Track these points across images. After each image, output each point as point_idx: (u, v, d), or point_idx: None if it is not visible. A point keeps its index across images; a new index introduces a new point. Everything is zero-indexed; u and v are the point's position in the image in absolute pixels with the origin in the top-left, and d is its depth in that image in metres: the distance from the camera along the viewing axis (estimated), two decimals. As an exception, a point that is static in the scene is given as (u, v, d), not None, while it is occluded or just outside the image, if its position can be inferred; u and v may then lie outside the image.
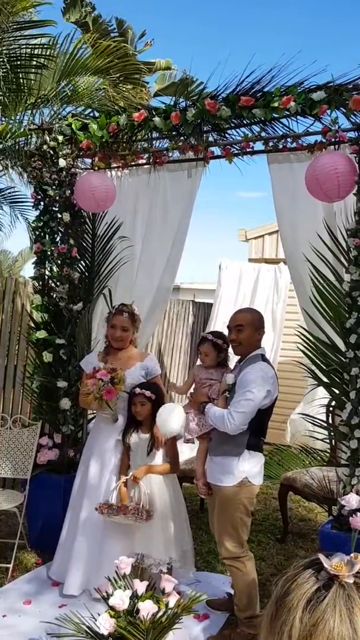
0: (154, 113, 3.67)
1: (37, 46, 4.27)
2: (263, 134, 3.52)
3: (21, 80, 4.26)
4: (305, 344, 3.30)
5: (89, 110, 4.32)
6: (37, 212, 4.16)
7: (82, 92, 4.67)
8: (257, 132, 3.53)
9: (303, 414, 4.12)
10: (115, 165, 4.11)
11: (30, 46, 4.22)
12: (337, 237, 3.27)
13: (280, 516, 4.43)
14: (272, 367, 2.98)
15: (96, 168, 4.03)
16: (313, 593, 0.75)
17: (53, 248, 4.08)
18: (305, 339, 3.31)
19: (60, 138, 4.00)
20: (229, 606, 3.18)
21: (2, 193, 5.98)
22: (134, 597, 2.51)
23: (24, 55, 4.20)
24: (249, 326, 2.99)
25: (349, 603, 0.73)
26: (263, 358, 2.97)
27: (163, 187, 4.10)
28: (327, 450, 4.43)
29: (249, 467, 2.89)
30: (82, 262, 4.28)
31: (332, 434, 3.60)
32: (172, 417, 3.00)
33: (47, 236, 4.12)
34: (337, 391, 3.18)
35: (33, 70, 4.20)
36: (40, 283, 4.16)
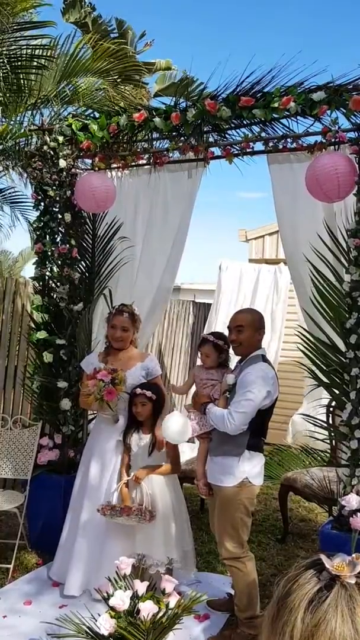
0: (154, 113, 3.67)
1: (37, 47, 4.27)
2: (263, 134, 3.52)
3: (22, 81, 4.27)
4: (305, 345, 3.30)
5: (89, 110, 4.32)
6: (37, 213, 4.16)
7: (83, 93, 4.68)
8: (257, 132, 3.54)
9: (303, 414, 4.12)
10: (115, 165, 4.11)
11: (31, 47, 4.22)
12: (337, 237, 3.27)
13: (281, 516, 4.43)
14: (272, 368, 2.98)
15: (96, 168, 4.03)
16: (315, 593, 0.75)
17: (53, 248, 4.08)
18: (305, 339, 3.31)
19: (61, 139, 4.00)
20: (230, 606, 3.18)
21: (3, 193, 5.98)
22: (135, 598, 2.51)
23: (24, 56, 4.21)
24: (249, 327, 2.99)
25: (350, 603, 0.73)
26: (264, 359, 2.97)
27: (163, 187, 4.10)
28: (327, 451, 4.43)
29: (250, 468, 2.89)
30: (82, 262, 4.28)
31: (332, 434, 3.60)
32: (177, 427, 2.99)
33: (47, 236, 4.12)
34: (337, 391, 3.18)
35: (34, 71, 4.20)
36: (41, 283, 4.16)
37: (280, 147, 3.48)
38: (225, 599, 3.30)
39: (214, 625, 3.13)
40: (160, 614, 2.46)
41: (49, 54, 4.29)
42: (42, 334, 4.03)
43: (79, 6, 8.64)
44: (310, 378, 3.58)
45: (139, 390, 3.23)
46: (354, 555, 0.80)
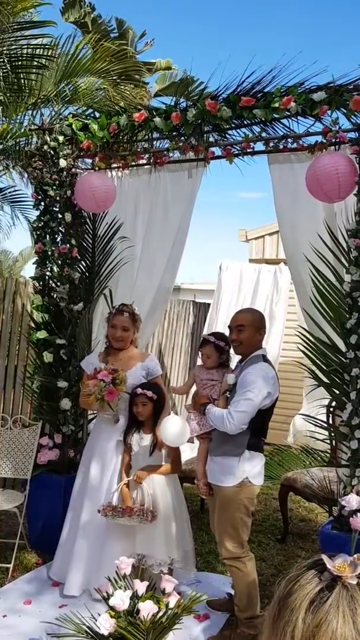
0: (154, 113, 3.67)
1: (38, 46, 4.27)
2: (264, 134, 3.53)
3: (22, 81, 4.26)
4: (305, 345, 3.30)
5: (90, 110, 4.32)
6: (37, 212, 4.16)
7: (83, 93, 4.67)
8: (257, 132, 3.54)
9: (304, 415, 4.12)
10: (115, 165, 4.11)
11: (31, 46, 4.22)
12: (337, 237, 3.27)
13: (281, 517, 4.43)
14: (272, 368, 2.98)
15: (97, 168, 4.03)
16: (316, 594, 0.75)
17: (54, 248, 4.09)
18: (305, 339, 3.31)
19: (61, 138, 4.00)
20: (230, 606, 3.18)
21: (3, 192, 5.98)
22: (134, 598, 2.51)
23: (24, 55, 4.20)
24: (250, 326, 2.99)
25: (352, 604, 0.73)
26: (264, 358, 2.97)
27: (163, 187, 4.10)
28: (327, 451, 4.43)
29: (250, 468, 2.89)
30: (82, 262, 4.28)
31: (332, 434, 3.60)
32: (175, 430, 3.00)
33: (47, 236, 4.12)
34: (337, 392, 3.18)
35: (34, 70, 4.19)
36: (41, 283, 4.16)
37: (281, 147, 3.48)
38: (225, 599, 3.30)
39: (214, 625, 3.13)
40: (160, 614, 2.47)
41: (49, 54, 4.28)
42: (42, 334, 4.03)
43: (79, 6, 8.63)
44: (310, 378, 3.58)
45: (139, 390, 3.23)
46: (355, 555, 0.80)
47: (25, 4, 4.33)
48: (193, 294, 11.81)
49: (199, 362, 3.34)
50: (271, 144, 3.51)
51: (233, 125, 3.59)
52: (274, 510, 4.83)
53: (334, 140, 3.19)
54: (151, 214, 4.20)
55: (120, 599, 2.45)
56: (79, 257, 4.19)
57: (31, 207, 4.36)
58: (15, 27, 4.24)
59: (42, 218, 4.11)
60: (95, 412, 3.66)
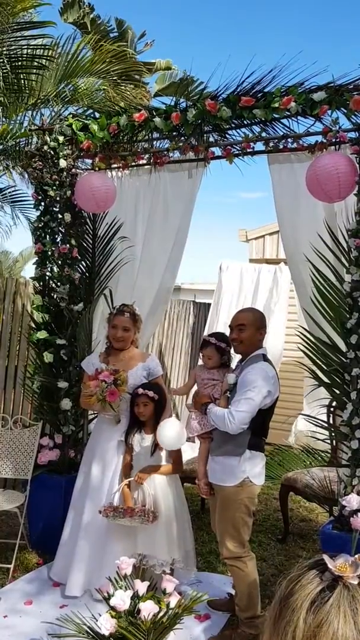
0: (154, 113, 3.67)
1: (38, 47, 4.27)
2: (264, 134, 3.53)
3: (22, 81, 4.27)
4: (306, 345, 3.30)
5: (90, 110, 4.32)
6: (38, 212, 4.17)
7: (83, 93, 4.68)
8: (257, 132, 3.54)
9: (305, 415, 4.12)
10: (115, 165, 4.11)
11: (31, 47, 4.22)
12: (337, 237, 3.27)
13: (281, 516, 4.42)
14: (273, 367, 2.98)
15: (97, 168, 4.03)
16: (317, 594, 0.75)
17: (54, 248, 4.09)
18: (306, 339, 3.31)
19: (61, 139, 4.00)
20: (230, 606, 3.18)
21: (3, 193, 5.98)
22: (135, 598, 2.51)
23: (24, 56, 4.21)
24: (250, 326, 2.99)
25: (353, 604, 0.73)
26: (265, 358, 2.97)
27: (164, 187, 4.10)
28: (327, 451, 4.43)
29: (251, 467, 2.89)
30: (82, 262, 4.28)
31: (332, 434, 3.60)
32: (173, 433, 3.01)
33: (47, 237, 4.12)
34: (337, 391, 3.18)
35: (34, 71, 4.20)
36: (41, 283, 4.16)
37: (281, 147, 3.48)
38: (226, 599, 3.30)
39: (215, 625, 3.13)
40: (161, 614, 2.46)
41: (49, 54, 4.29)
42: (42, 334, 4.03)
43: (78, 6, 8.63)
44: (310, 378, 3.58)
45: (141, 391, 3.23)
46: (356, 556, 0.80)
47: (25, 4, 4.33)
48: (193, 294, 11.82)
49: (200, 362, 3.34)
50: (271, 144, 3.51)
51: (233, 125, 3.59)
52: (275, 510, 4.83)
53: (334, 140, 3.19)
54: (151, 214, 4.20)
55: (121, 599, 2.45)
56: (79, 258, 4.19)
57: (32, 206, 4.37)
58: (15, 27, 4.25)
59: (42, 218, 4.11)
60: (95, 412, 3.66)
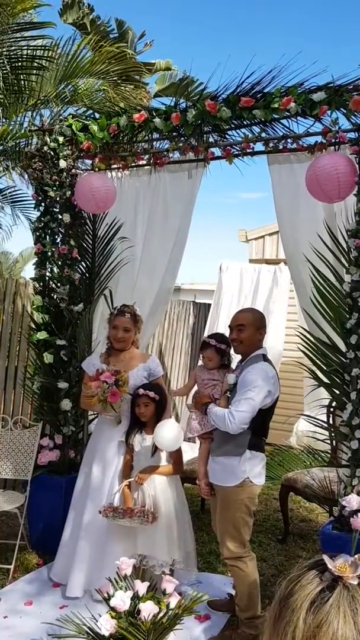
0: (154, 114, 3.67)
1: (38, 47, 4.28)
2: (263, 134, 3.53)
3: (22, 82, 4.27)
4: (305, 345, 3.30)
5: (90, 111, 4.33)
6: (38, 213, 4.17)
7: (83, 94, 4.68)
8: (257, 133, 3.54)
9: (305, 415, 4.12)
10: (115, 166, 4.12)
11: (31, 47, 4.23)
12: (337, 237, 3.27)
13: (281, 517, 4.42)
14: (273, 367, 2.99)
15: (97, 169, 4.03)
16: (317, 594, 0.75)
17: (54, 249, 4.09)
18: (305, 339, 3.31)
19: (61, 139, 4.00)
20: (230, 607, 3.18)
21: (3, 193, 5.99)
22: (135, 598, 2.51)
23: (24, 56, 4.21)
24: (250, 326, 2.99)
25: (353, 604, 0.74)
26: (264, 358, 2.97)
27: (163, 188, 4.10)
28: (327, 451, 4.43)
29: (251, 467, 2.89)
30: (82, 263, 4.28)
31: (332, 434, 3.60)
32: (170, 435, 3.02)
33: (47, 237, 4.12)
34: (337, 392, 3.18)
35: (34, 72, 4.20)
36: (41, 284, 4.16)
37: (281, 147, 3.49)
38: (226, 600, 3.30)
39: (215, 625, 3.13)
40: (161, 615, 2.46)
41: (49, 55, 4.29)
42: (42, 335, 4.03)
43: (77, 7, 8.63)
44: (309, 379, 3.58)
45: (141, 391, 3.23)
46: (356, 556, 0.80)
47: (25, 5, 4.34)
48: (193, 294, 11.82)
49: (200, 362, 3.34)
50: (271, 145, 3.51)
51: (233, 126, 3.59)
52: (275, 510, 4.83)
53: (333, 140, 3.19)
54: (151, 215, 4.20)
55: (121, 600, 2.45)
56: (79, 258, 4.19)
57: (32, 206, 4.37)
58: (15, 28, 4.25)
59: (43, 219, 4.11)
60: (95, 412, 3.66)
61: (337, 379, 3.17)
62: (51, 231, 4.11)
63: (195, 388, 3.27)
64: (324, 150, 3.29)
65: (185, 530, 3.27)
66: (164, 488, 3.22)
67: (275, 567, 3.82)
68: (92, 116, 4.11)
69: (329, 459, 4.35)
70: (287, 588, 0.78)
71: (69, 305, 4.04)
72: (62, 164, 4.01)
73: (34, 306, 4.14)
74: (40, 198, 4.11)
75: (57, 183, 4.02)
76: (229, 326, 3.09)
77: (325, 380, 3.23)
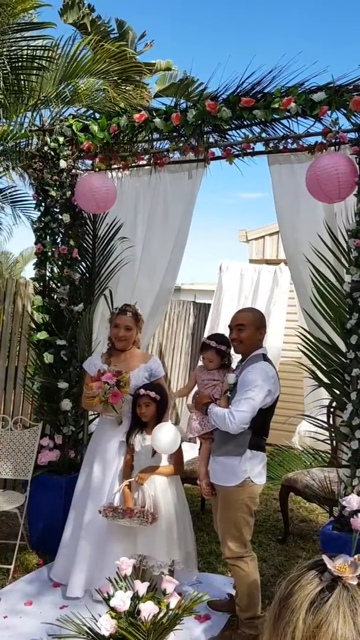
0: (154, 114, 3.67)
1: (38, 47, 4.28)
2: (263, 135, 3.53)
3: (22, 82, 4.27)
4: (305, 345, 3.30)
5: (90, 111, 4.32)
6: (39, 213, 4.17)
7: (83, 94, 4.68)
8: (257, 133, 3.54)
9: (305, 415, 4.12)
10: (115, 166, 4.12)
11: (31, 48, 4.23)
12: (337, 238, 3.27)
13: (281, 517, 4.42)
14: (273, 367, 2.99)
15: (97, 169, 4.03)
16: (317, 594, 0.75)
17: (54, 249, 4.09)
18: (305, 339, 3.31)
19: (61, 139, 4.00)
20: (231, 607, 3.18)
21: (3, 193, 5.98)
22: (135, 598, 2.51)
23: (24, 56, 4.21)
24: (250, 325, 3.00)
25: (352, 605, 0.74)
26: (265, 357, 2.97)
27: (164, 188, 4.10)
28: (328, 451, 4.43)
29: (251, 467, 2.89)
30: (82, 263, 4.28)
31: (333, 435, 3.59)
32: (168, 438, 3.02)
33: (47, 237, 4.12)
34: (337, 392, 3.18)
35: (34, 72, 4.20)
36: (41, 284, 4.16)
37: (281, 147, 3.49)
38: (226, 600, 3.30)
39: (215, 625, 3.13)
40: (161, 615, 2.46)
41: (49, 55, 4.29)
42: (42, 335, 4.03)
43: (77, 7, 8.63)
44: (309, 379, 3.58)
45: (143, 391, 3.23)
46: (356, 556, 0.80)
47: (25, 5, 4.34)
48: (193, 294, 11.82)
49: (200, 362, 3.34)
50: (271, 145, 3.51)
51: (233, 126, 3.59)
52: (275, 510, 4.83)
53: (333, 140, 3.19)
54: (151, 215, 4.20)
55: (121, 600, 2.45)
56: (79, 258, 4.19)
57: (32, 206, 4.37)
58: (15, 28, 4.25)
59: (43, 219, 4.12)
60: (96, 412, 3.65)
61: (337, 379, 3.17)
62: (51, 231, 4.11)
63: (196, 388, 3.27)
64: (324, 150, 3.29)
65: (185, 530, 3.27)
66: (165, 488, 3.22)
67: (275, 567, 3.82)
68: (92, 116, 4.11)
69: (329, 459, 4.35)
70: (286, 588, 0.78)
71: (69, 305, 4.04)
72: (63, 164, 4.01)
73: (34, 306, 4.14)
74: (40, 198, 4.11)
75: (58, 183, 4.03)
76: (229, 326, 3.09)
77: (326, 380, 3.23)
